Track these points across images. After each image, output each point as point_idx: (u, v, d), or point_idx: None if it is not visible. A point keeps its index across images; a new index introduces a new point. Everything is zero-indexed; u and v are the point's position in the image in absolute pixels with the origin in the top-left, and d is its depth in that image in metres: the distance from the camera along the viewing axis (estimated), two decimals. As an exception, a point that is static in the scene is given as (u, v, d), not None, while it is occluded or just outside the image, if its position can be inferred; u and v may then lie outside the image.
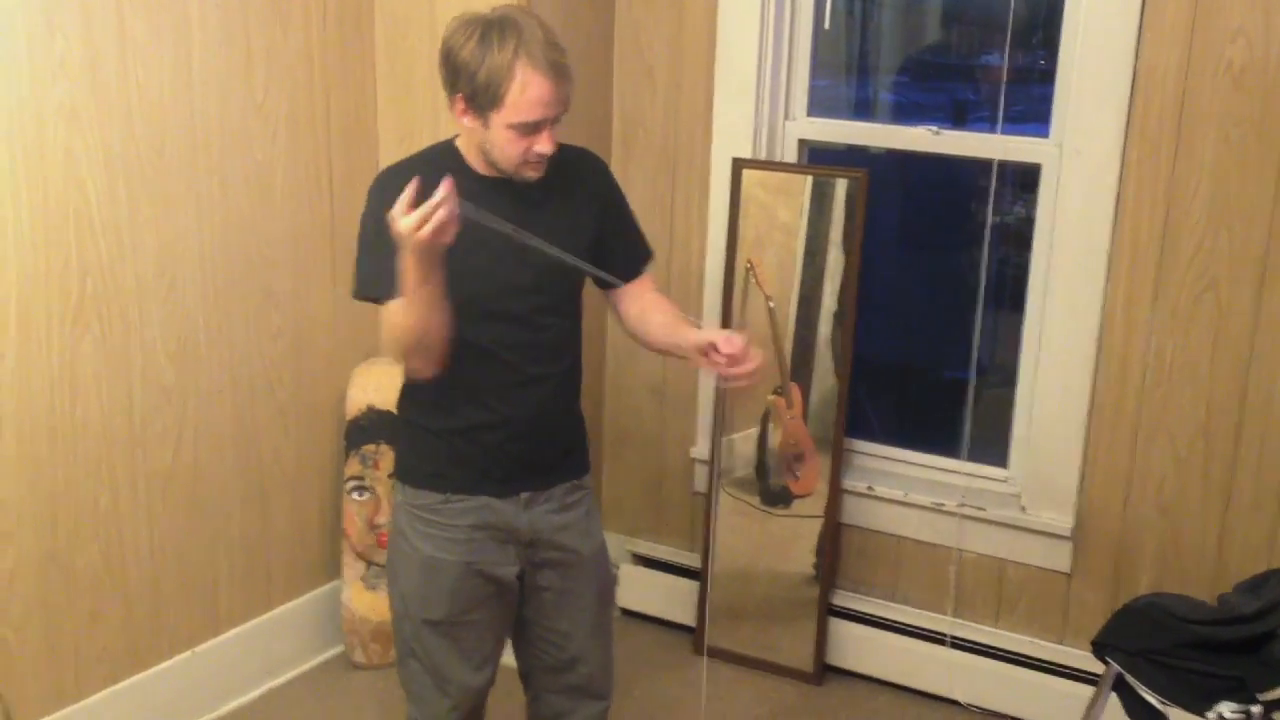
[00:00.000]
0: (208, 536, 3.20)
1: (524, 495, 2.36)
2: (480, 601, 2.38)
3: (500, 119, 2.15)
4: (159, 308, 2.99)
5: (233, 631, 3.32)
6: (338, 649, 3.60)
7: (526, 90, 2.11)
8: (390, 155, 3.42)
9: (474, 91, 2.15)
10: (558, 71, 2.14)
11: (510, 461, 2.34)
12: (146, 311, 2.96)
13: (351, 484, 3.47)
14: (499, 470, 2.34)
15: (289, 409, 3.37)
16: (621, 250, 2.42)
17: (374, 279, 2.19)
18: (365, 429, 3.44)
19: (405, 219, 1.97)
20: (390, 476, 3.43)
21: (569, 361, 2.41)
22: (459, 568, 2.34)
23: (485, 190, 2.22)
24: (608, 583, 2.56)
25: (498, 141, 2.18)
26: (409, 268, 2.04)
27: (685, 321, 2.38)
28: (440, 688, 2.42)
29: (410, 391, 2.38)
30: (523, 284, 2.27)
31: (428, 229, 1.96)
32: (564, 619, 2.46)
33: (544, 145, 2.18)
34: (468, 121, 2.20)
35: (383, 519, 3.47)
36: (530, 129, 2.15)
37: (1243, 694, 2.30)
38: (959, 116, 3.58)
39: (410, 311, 2.09)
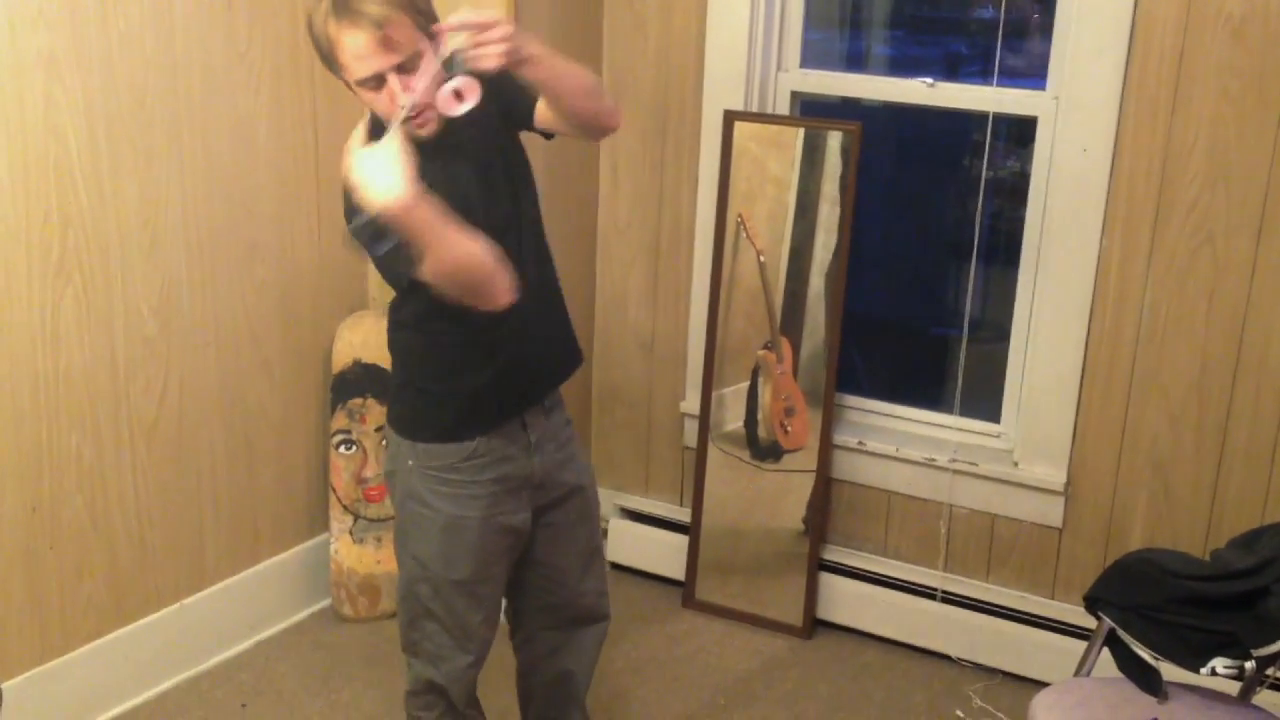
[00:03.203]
0: (193, 489, 3.18)
1: (533, 437, 2.34)
2: (500, 554, 2.38)
3: (350, 82, 2.06)
4: (141, 260, 2.94)
5: (220, 584, 3.30)
6: (325, 602, 3.58)
7: (345, 49, 2.00)
8: (377, 105, 3.38)
9: (325, 64, 2.08)
10: (371, 21, 1.97)
11: (522, 369, 2.31)
12: (129, 264, 2.92)
13: (338, 438, 3.45)
14: (513, 386, 2.30)
15: (274, 362, 3.34)
16: (512, 95, 2.21)
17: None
18: (352, 383, 3.41)
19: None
20: (379, 432, 3.42)
21: (543, 277, 2.34)
22: (481, 523, 2.32)
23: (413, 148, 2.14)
24: (597, 509, 2.56)
25: (366, 103, 2.09)
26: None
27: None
28: (462, 645, 2.41)
29: (409, 349, 2.33)
30: (499, 190, 2.22)
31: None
32: (562, 554, 2.47)
33: (402, 96, 2.01)
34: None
35: (369, 473, 3.45)
36: (375, 83, 2.03)
37: (1236, 649, 2.29)
38: (952, 70, 3.54)
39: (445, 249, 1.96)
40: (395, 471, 2.38)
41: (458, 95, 1.98)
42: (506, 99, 2.22)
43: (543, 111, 2.23)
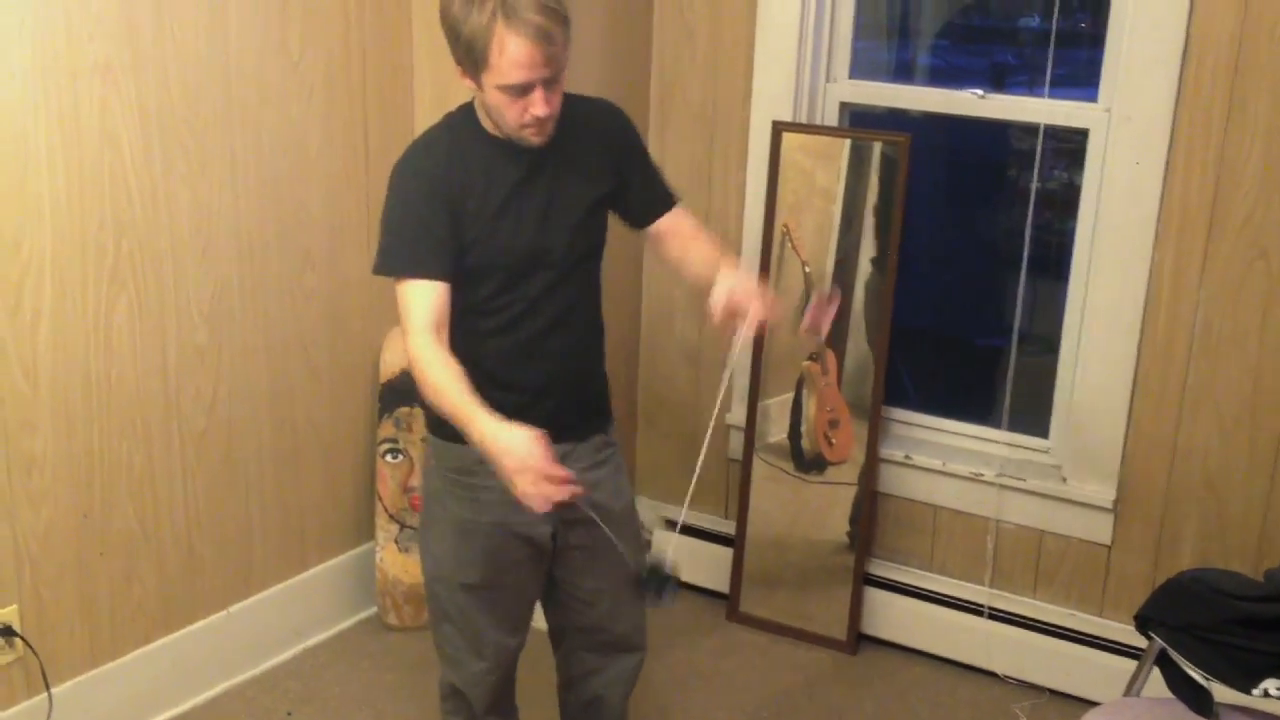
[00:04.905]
0: (242, 497, 3.20)
1: (556, 450, 2.32)
2: (515, 564, 2.37)
3: (489, 81, 2.07)
4: (193, 268, 2.97)
5: (267, 592, 3.32)
6: (371, 610, 3.60)
7: (505, 52, 2.02)
8: (426, 116, 3.39)
9: (461, 53, 2.09)
10: (539, 33, 2.01)
11: (537, 421, 2.29)
12: (181, 271, 2.94)
13: (385, 446, 3.46)
14: (527, 415, 2.27)
15: (323, 371, 3.36)
16: (639, 191, 2.37)
17: (396, 257, 2.18)
18: (399, 392, 3.43)
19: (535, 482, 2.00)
20: (423, 440, 3.43)
21: (589, 322, 2.38)
22: (492, 530, 2.32)
23: (494, 152, 2.19)
24: (639, 539, 2.53)
25: (492, 104, 2.12)
26: (488, 443, 2.05)
27: (724, 261, 2.33)
28: (476, 650, 2.42)
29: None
30: (549, 247, 2.24)
31: (540, 497, 2.00)
32: (594, 577, 2.45)
33: (538, 107, 2.07)
34: (467, 83, 2.15)
35: (416, 482, 3.47)
36: (519, 91, 2.06)
37: (1290, 671, 2.26)
38: (998, 81, 3.51)
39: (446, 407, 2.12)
40: (426, 471, 2.43)
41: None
42: (631, 189, 2.34)
43: (658, 237, 2.41)
